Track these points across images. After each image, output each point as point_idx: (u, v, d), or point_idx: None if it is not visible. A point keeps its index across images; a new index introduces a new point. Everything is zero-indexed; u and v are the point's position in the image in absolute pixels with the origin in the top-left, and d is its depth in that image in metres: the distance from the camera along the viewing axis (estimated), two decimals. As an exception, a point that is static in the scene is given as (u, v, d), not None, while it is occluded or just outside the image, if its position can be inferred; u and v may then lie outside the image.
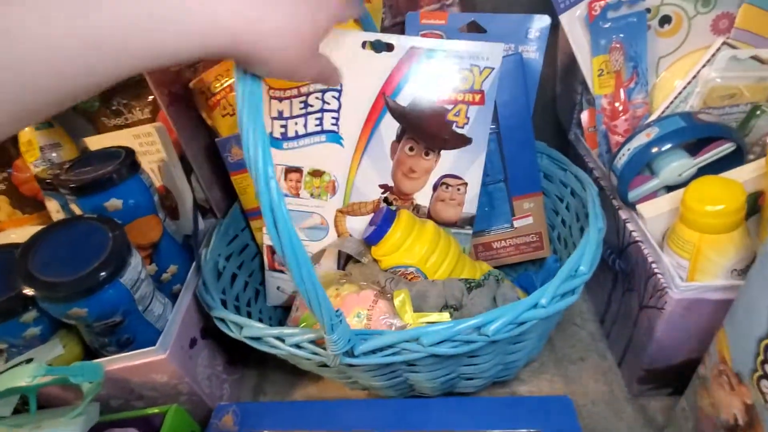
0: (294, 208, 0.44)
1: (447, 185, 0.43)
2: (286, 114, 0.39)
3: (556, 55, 0.52)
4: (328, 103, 0.39)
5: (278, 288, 0.50)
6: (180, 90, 0.51)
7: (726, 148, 0.34)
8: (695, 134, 0.33)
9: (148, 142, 0.48)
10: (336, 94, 0.38)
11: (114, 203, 0.40)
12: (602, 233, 0.36)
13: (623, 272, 0.41)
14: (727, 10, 0.38)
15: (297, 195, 0.43)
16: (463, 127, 0.40)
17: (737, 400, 0.26)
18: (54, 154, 0.51)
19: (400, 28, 0.51)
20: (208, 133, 0.53)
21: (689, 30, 0.40)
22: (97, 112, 0.52)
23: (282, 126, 0.40)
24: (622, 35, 0.39)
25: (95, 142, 0.50)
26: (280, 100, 0.39)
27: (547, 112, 0.57)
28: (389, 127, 0.40)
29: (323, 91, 0.38)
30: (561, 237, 0.48)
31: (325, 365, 0.35)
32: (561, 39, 0.49)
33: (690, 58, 0.39)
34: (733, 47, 0.36)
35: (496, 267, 0.50)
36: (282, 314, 0.53)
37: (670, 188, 0.37)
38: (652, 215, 0.35)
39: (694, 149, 0.36)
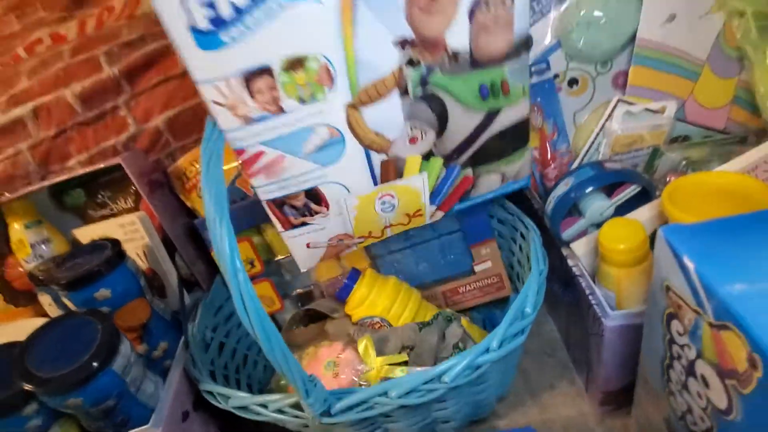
0: (284, 131, 0.29)
1: (486, 3, 0.30)
2: None
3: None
4: None
5: (308, 245, 0.41)
6: (160, 177, 0.56)
7: (633, 189, 0.39)
8: (603, 181, 0.39)
9: (132, 230, 0.52)
10: None
11: (103, 293, 0.44)
12: (544, 275, 0.40)
13: (571, 303, 0.45)
14: (622, 69, 0.45)
15: (279, 110, 0.28)
16: None
17: (659, 416, 0.30)
18: (45, 248, 0.55)
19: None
20: (187, 213, 0.58)
21: (595, 88, 0.46)
22: (84, 205, 0.56)
23: (208, 4, 0.22)
24: (539, 99, 0.46)
25: (84, 234, 0.54)
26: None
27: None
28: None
29: None
30: (519, 276, 0.53)
31: (307, 426, 0.38)
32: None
33: (598, 112, 0.46)
34: (629, 102, 0.42)
35: (464, 309, 0.54)
36: (269, 375, 0.56)
37: (598, 225, 0.42)
38: (583, 252, 0.40)
39: (611, 189, 0.41)
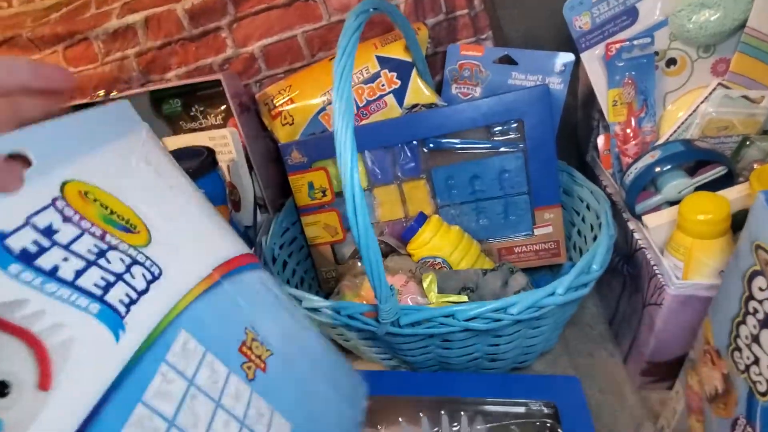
0: None
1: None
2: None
3: (577, 87, 0.59)
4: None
5: None
6: (248, 101, 0.59)
7: (719, 171, 0.40)
8: (692, 157, 0.40)
9: (221, 144, 0.56)
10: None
11: (197, 192, 0.48)
12: (613, 239, 0.42)
13: (630, 276, 0.47)
14: (724, 56, 0.45)
15: None
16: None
17: (717, 372, 0.32)
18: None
19: (440, 57, 0.59)
20: (269, 139, 0.61)
21: (692, 71, 0.46)
22: (179, 116, 0.60)
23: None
24: (634, 73, 0.46)
25: (174, 142, 0.59)
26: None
27: (567, 137, 0.64)
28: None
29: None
30: (576, 246, 0.55)
31: (371, 337, 0.41)
32: (582, 73, 0.56)
33: (692, 95, 0.46)
34: (727, 87, 0.43)
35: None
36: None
37: (670, 203, 0.43)
38: (655, 225, 0.41)
39: (692, 171, 0.42)
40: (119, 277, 0.22)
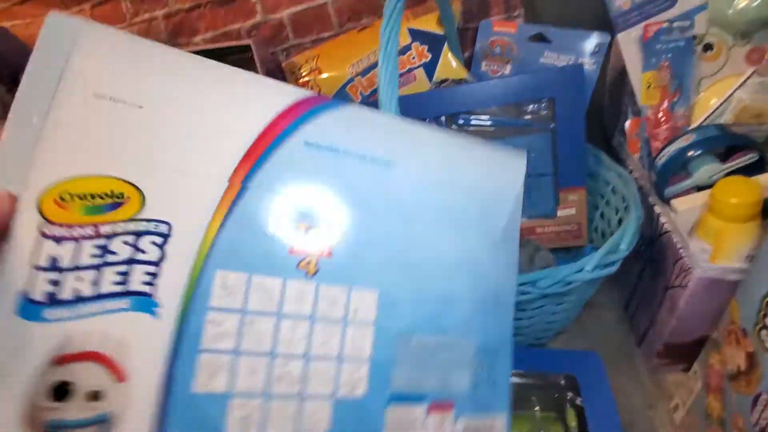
0: None
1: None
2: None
3: (605, 69, 0.58)
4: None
5: None
6: (274, 69, 0.59)
7: (751, 157, 0.40)
8: (726, 142, 0.40)
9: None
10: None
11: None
12: (640, 221, 0.42)
13: (651, 260, 0.47)
14: (760, 45, 0.45)
15: None
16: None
17: (741, 351, 0.32)
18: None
19: (471, 33, 0.59)
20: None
21: (728, 58, 0.46)
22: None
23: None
24: (670, 56, 0.46)
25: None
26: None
27: (594, 120, 0.64)
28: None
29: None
30: (598, 229, 0.55)
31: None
32: (612, 55, 0.55)
33: (726, 81, 0.46)
34: (763, 75, 0.42)
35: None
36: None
37: (699, 189, 0.44)
38: (684, 208, 0.42)
39: (723, 157, 0.42)
40: (131, 262, 0.22)
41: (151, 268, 0.22)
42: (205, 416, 0.22)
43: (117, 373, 0.21)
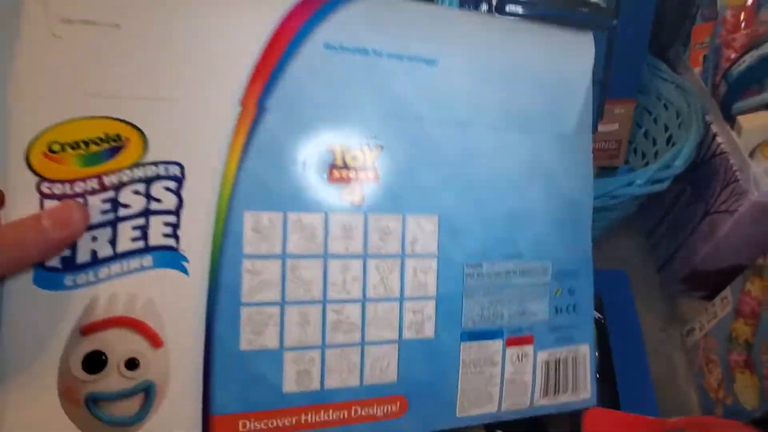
0: None
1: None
2: None
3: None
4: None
5: None
6: None
7: None
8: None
9: None
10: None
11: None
12: (701, 137, 0.38)
13: (693, 183, 0.44)
14: None
15: None
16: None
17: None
18: None
19: None
20: None
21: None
22: None
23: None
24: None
25: None
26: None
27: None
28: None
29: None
30: (638, 150, 0.51)
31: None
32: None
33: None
34: None
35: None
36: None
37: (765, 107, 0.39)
38: (751, 126, 0.37)
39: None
40: (146, 213, 0.19)
41: (170, 218, 0.19)
42: (259, 375, 0.20)
43: (151, 337, 0.19)
